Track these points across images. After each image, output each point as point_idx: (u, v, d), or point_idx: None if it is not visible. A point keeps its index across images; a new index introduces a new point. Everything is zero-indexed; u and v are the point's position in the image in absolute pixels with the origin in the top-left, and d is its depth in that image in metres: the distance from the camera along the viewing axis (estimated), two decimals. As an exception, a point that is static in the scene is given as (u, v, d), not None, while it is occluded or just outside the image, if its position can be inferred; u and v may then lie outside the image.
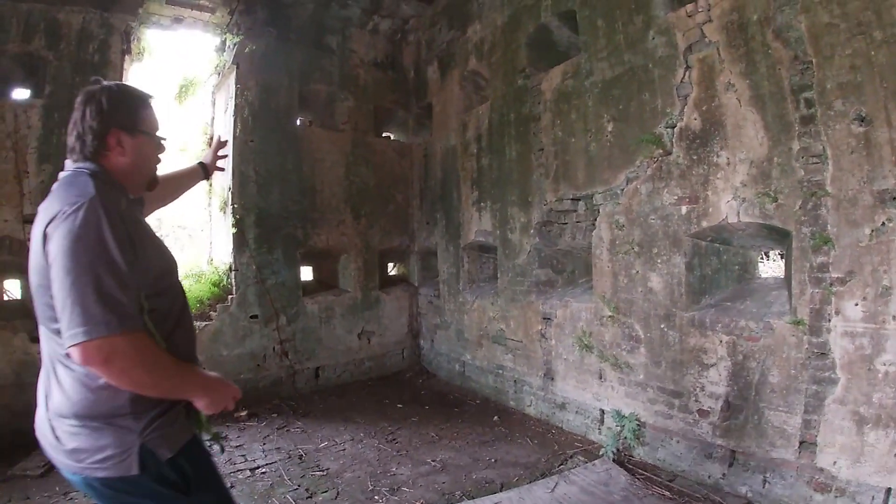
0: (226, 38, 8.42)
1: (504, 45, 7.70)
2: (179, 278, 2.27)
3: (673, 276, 5.34)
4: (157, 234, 2.23)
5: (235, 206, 8.02)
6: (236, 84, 8.16)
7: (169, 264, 2.16)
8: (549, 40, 7.26)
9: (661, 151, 5.43)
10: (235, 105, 8.14)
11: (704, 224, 5.01)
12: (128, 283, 1.76)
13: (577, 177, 6.46)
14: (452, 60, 8.90)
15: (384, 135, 10.42)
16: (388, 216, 9.74)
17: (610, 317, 6.02)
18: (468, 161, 8.46)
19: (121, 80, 6.88)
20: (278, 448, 6.18)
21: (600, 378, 6.23)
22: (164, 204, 2.98)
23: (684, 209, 5.19)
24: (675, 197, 5.27)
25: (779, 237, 4.68)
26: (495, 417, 7.23)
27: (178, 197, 3.07)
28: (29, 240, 2.06)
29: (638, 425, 5.62)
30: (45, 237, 1.76)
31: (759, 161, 4.50)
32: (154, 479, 1.88)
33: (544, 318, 6.98)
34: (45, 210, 1.82)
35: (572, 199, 6.55)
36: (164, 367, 1.84)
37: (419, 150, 9.89)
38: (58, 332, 1.77)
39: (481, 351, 8.30)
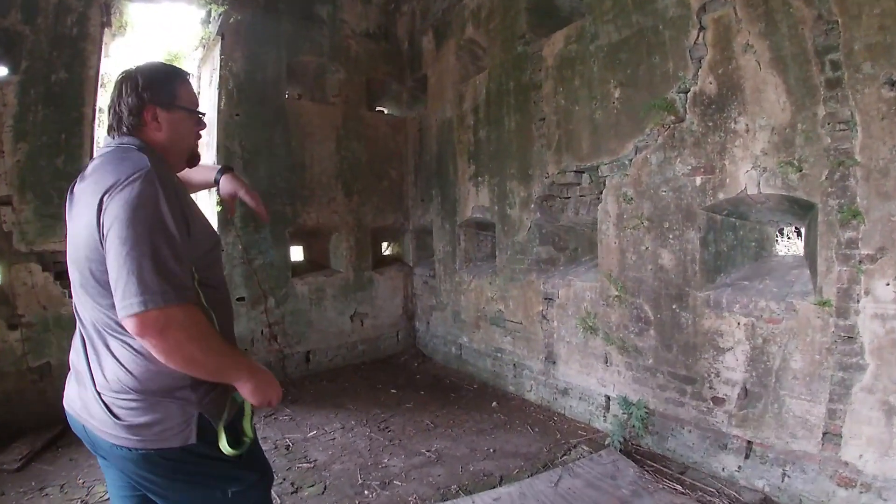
0: (211, 10, 8.02)
1: (503, 10, 7.28)
2: (220, 254, 2.32)
3: (686, 252, 4.97)
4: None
5: None
6: (221, 56, 7.76)
7: (214, 239, 2.17)
8: (550, 5, 6.87)
9: (673, 118, 5.05)
10: (220, 77, 7.75)
11: (721, 196, 4.64)
12: (183, 255, 1.78)
13: (581, 147, 6.08)
14: (448, 29, 8.48)
15: (377, 109, 10.05)
16: (381, 193, 9.36)
17: (617, 297, 5.67)
18: (465, 134, 8.07)
19: (99, 54, 6.67)
20: (265, 438, 5.83)
21: (606, 362, 5.89)
22: None
23: (699, 180, 4.81)
24: (689, 167, 4.90)
25: (801, 211, 4.33)
26: (494, 403, 6.89)
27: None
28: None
29: (647, 413, 5.28)
30: (100, 207, 1.74)
31: (781, 127, 4.15)
32: (210, 447, 1.92)
33: (545, 299, 6.63)
34: (95, 181, 1.82)
35: (576, 172, 6.18)
36: (216, 344, 1.84)
37: (414, 124, 9.49)
38: (109, 307, 1.78)
39: (479, 333, 7.99)
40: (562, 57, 6.36)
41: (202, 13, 8.31)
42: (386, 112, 10.24)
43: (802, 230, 4.85)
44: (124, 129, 2.02)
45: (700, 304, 4.83)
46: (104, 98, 6.90)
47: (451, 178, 8.47)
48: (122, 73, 2.07)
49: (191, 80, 2.23)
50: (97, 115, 6.83)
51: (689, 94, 4.92)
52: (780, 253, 5.27)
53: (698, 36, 4.82)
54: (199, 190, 3.04)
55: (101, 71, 6.88)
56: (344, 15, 9.07)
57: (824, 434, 3.90)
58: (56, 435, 5.74)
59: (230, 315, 2.26)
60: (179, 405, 1.87)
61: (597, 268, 6.05)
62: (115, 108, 2.04)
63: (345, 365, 8.80)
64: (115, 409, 1.84)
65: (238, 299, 7.71)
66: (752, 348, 4.38)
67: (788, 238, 9.29)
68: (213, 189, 2.92)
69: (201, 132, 2.31)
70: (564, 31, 6.35)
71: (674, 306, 5.09)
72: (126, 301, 1.65)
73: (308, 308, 8.48)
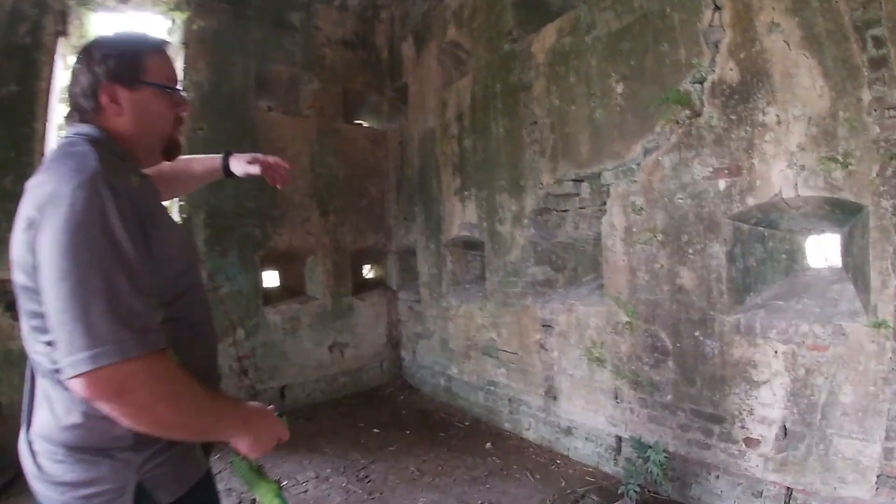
0: (175, 18, 7.38)
1: (487, 7, 6.75)
2: (200, 275, 1.94)
3: (710, 269, 4.37)
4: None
5: (182, 202, 6.98)
6: (184, 65, 7.16)
7: (190, 257, 1.84)
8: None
9: (688, 112, 4.47)
10: (183, 88, 6.98)
11: (750, 202, 4.09)
12: (144, 285, 1.41)
13: (581, 152, 5.48)
14: (429, 33, 7.95)
15: (355, 121, 9.45)
16: (360, 212, 8.73)
17: (627, 323, 4.98)
18: (448, 144, 7.49)
19: (53, 65, 6.16)
20: (229, 490, 5.05)
21: (616, 398, 5.19)
22: (178, 193, 2.69)
23: (723, 184, 4.25)
24: (710, 169, 4.33)
25: (843, 215, 3.78)
26: (488, 444, 6.16)
27: (190, 189, 2.77)
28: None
29: (666, 457, 4.55)
30: (32, 227, 1.38)
31: (819, 117, 3.61)
32: None
33: (544, 326, 5.97)
34: (33, 189, 1.46)
35: (574, 181, 5.59)
36: (195, 400, 1.48)
37: (394, 137, 8.92)
38: (46, 346, 1.44)
39: (469, 364, 7.23)
40: (554, 52, 5.77)
41: (167, 23, 7.65)
42: (364, 125, 9.63)
43: (838, 238, 4.17)
44: (76, 115, 1.67)
45: (728, 331, 4.22)
46: (59, 113, 6.48)
47: (434, 194, 7.86)
48: (79, 49, 1.73)
49: (167, 51, 1.81)
50: (48, 130, 6.21)
51: (705, 84, 4.33)
52: (813, 266, 4.53)
53: (713, 17, 4.24)
54: (205, 182, 2.73)
55: (57, 84, 6.33)
56: (318, 22, 8.47)
57: (878, 477, 3.35)
58: (7, 482, 5.05)
59: (212, 355, 1.91)
60: (114, 468, 1.50)
61: (602, 290, 5.40)
62: (70, 91, 1.69)
63: (324, 400, 8.07)
64: (40, 459, 1.53)
65: (203, 331, 6.88)
66: (793, 381, 3.80)
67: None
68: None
69: (183, 114, 1.84)
70: (556, 24, 5.76)
71: (696, 333, 4.46)
72: (71, 357, 1.29)
73: (282, 339, 7.76)
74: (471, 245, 7.61)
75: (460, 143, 7.26)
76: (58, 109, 6.42)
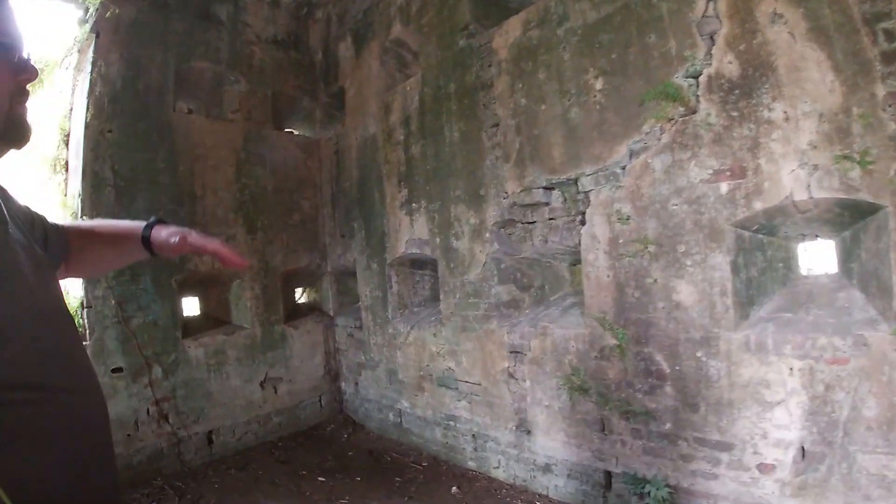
0: (89, 6, 6.49)
1: (439, 1, 6.23)
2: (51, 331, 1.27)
3: (712, 282, 3.93)
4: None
5: (85, 218, 6.01)
6: (93, 56, 6.32)
7: (22, 308, 1.18)
8: None
9: (681, 109, 4.05)
10: (89, 82, 6.26)
11: (758, 206, 3.73)
12: None
13: (553, 156, 4.95)
14: (370, 31, 7.37)
15: (285, 129, 8.73)
16: (291, 229, 7.97)
17: (616, 346, 4.42)
18: (393, 152, 6.87)
19: None
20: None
21: (603, 430, 4.64)
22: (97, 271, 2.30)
23: (724, 187, 3.88)
24: (710, 171, 3.94)
25: (848, 218, 3.57)
26: (454, 488, 5.47)
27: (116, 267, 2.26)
28: None
29: (669, 492, 4.05)
30: None
31: (831, 113, 3.36)
32: None
33: (512, 352, 5.36)
34: None
35: (545, 188, 5.05)
36: None
37: (329, 146, 8.24)
38: None
39: (423, 397, 6.53)
40: (519, 47, 5.26)
41: (80, 12, 6.75)
42: (296, 132, 8.91)
43: (832, 244, 3.95)
44: None
45: (736, 349, 3.83)
46: None
47: (377, 208, 7.21)
48: None
49: (6, 4, 1.27)
50: None
51: (701, 79, 3.97)
52: (806, 273, 4.15)
53: (707, 6, 3.92)
54: (126, 264, 2.13)
55: None
56: (247, 18, 7.74)
57: (906, 489, 3.10)
58: None
59: (87, 447, 1.27)
60: None
61: (581, 310, 4.87)
62: None
63: (257, 444, 7.17)
64: None
65: (114, 370, 6.05)
66: (811, 398, 3.51)
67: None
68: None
69: (27, 84, 1.31)
70: (522, 16, 5.27)
71: (698, 354, 4.01)
72: None
73: (206, 376, 6.86)
74: (420, 264, 6.99)
75: (407, 150, 6.64)
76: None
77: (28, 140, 1.38)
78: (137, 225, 1.85)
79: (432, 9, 6.27)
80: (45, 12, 6.61)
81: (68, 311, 1.41)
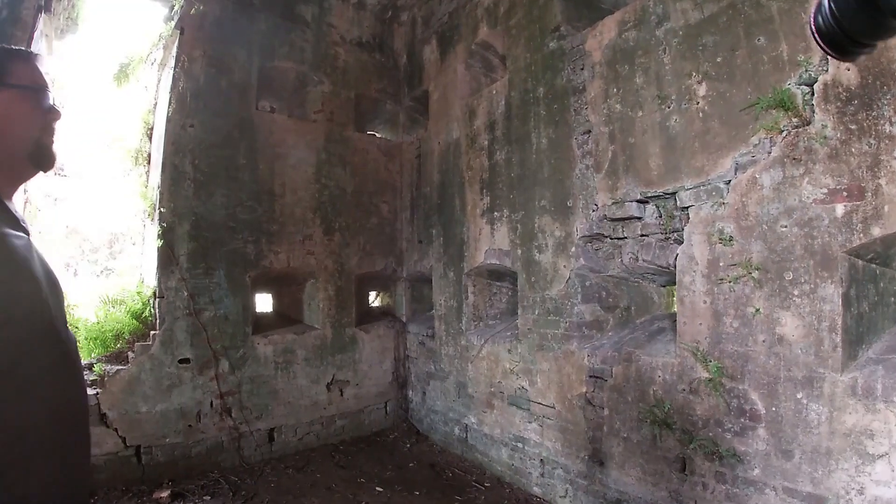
0: (174, 3, 6.65)
1: (528, 1, 5.99)
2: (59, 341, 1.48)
3: (821, 316, 3.47)
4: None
5: (163, 210, 6.11)
6: (177, 52, 6.40)
7: (26, 314, 1.38)
8: None
9: (794, 120, 3.62)
10: (173, 77, 6.33)
11: (876, 232, 3.28)
12: None
13: (649, 167, 4.58)
14: (456, 34, 7.18)
15: (367, 131, 8.67)
16: (369, 232, 7.87)
17: (708, 380, 4.01)
18: (476, 157, 6.63)
19: (30, 42, 5.42)
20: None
21: (683, 470, 4.22)
22: None
23: (841, 209, 3.41)
24: (824, 190, 3.49)
25: None
26: (516, 516, 5.09)
27: None
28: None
29: None
30: None
31: None
32: None
33: (592, 377, 5.01)
34: None
35: (639, 201, 4.69)
36: None
37: (411, 151, 8.11)
38: None
39: (492, 414, 6.25)
40: (614, 49, 4.93)
41: (165, 9, 6.88)
42: (378, 135, 8.83)
43: None
44: None
45: (841, 393, 3.37)
46: None
47: (457, 215, 7.00)
48: None
49: (37, 61, 1.67)
50: None
51: (816, 87, 3.54)
52: None
53: None
54: None
55: None
56: (332, 19, 7.71)
57: None
58: None
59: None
60: None
61: (670, 336, 4.49)
62: None
63: (319, 445, 7.08)
64: None
65: (181, 361, 6.07)
66: None
67: None
68: None
69: (54, 121, 1.67)
70: (618, 16, 4.95)
71: (799, 395, 3.55)
72: None
73: (273, 374, 6.81)
74: (498, 275, 6.74)
75: (491, 157, 6.40)
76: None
77: (52, 166, 1.74)
78: None
79: (521, 10, 6.03)
80: (132, 9, 6.73)
81: None
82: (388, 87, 8.33)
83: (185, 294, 6.13)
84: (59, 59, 6.45)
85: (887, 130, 3.18)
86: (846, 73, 3.36)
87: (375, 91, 8.20)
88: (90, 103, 8.86)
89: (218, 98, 6.55)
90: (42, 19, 5.69)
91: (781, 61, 3.69)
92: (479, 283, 6.85)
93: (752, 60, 3.87)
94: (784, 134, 3.65)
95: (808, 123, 3.54)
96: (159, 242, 5.99)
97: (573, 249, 5.26)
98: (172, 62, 6.43)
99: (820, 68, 3.47)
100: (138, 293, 6.47)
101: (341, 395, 7.38)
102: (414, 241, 7.96)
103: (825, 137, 3.45)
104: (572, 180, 5.31)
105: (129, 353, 5.87)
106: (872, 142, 3.25)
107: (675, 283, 4.42)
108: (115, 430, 5.53)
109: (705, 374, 4.03)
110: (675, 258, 4.28)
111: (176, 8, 6.56)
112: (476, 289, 6.83)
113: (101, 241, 10.18)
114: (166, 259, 6.04)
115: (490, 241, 6.37)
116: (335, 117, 7.59)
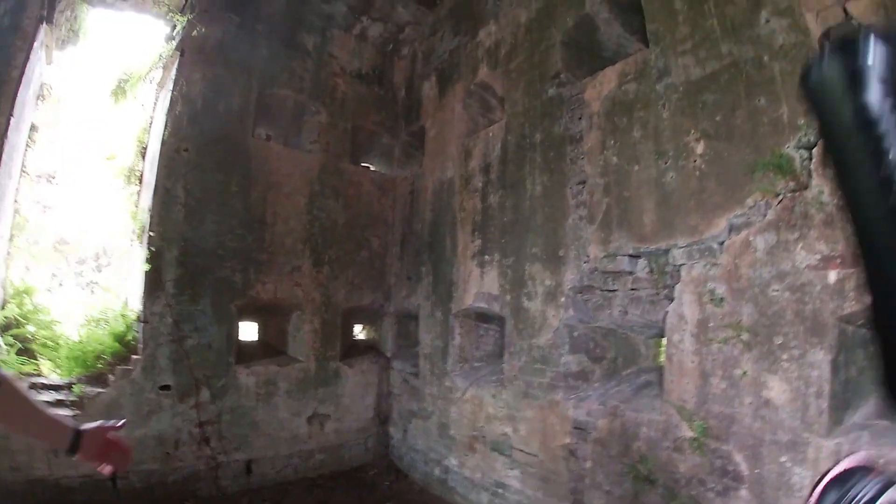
0: (176, 24, 6.72)
1: (529, 46, 6.03)
2: None
3: (808, 381, 3.45)
4: None
5: (153, 234, 6.08)
6: (176, 74, 6.42)
7: None
8: (591, 40, 5.60)
9: (791, 184, 3.63)
10: (170, 99, 6.35)
11: (868, 300, 3.01)
12: None
13: (643, 222, 4.58)
14: (456, 72, 7.22)
15: (362, 164, 8.66)
16: (358, 265, 7.83)
17: (693, 440, 3.97)
18: (470, 199, 6.63)
19: (29, 52, 5.52)
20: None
21: None
22: None
23: (833, 276, 3.39)
24: (818, 256, 3.47)
25: None
26: (495, 566, 5.00)
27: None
28: None
29: None
30: None
31: None
32: None
33: (576, 429, 4.96)
34: None
35: (631, 256, 4.68)
36: None
37: (405, 185, 8.10)
38: None
39: (473, 458, 6.17)
40: (614, 100, 4.96)
41: (167, 28, 6.93)
42: (372, 168, 8.83)
43: None
44: None
45: (825, 457, 3.33)
46: (38, 112, 6.20)
47: (447, 255, 6.97)
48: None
49: None
50: (11, 126, 5.47)
51: (814, 151, 3.56)
52: None
53: None
54: (44, 439, 1.83)
55: (38, 78, 5.94)
56: (333, 49, 7.76)
57: None
58: None
59: None
60: None
61: (656, 391, 4.47)
62: None
63: (297, 479, 6.96)
64: None
65: (162, 388, 6.01)
66: None
67: None
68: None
69: None
70: (618, 67, 4.99)
71: (783, 458, 3.53)
72: None
73: (254, 405, 6.72)
74: (486, 318, 6.69)
75: (484, 199, 6.39)
76: (28, 104, 5.80)
77: None
78: (61, 422, 1.82)
79: (522, 54, 6.07)
80: (134, 25, 6.80)
81: None
82: (385, 121, 8.35)
83: (170, 320, 6.08)
84: (59, 69, 6.56)
85: (884, 199, 3.18)
86: (846, 138, 3.38)
87: (372, 123, 8.22)
88: (87, 116, 8.83)
89: (214, 123, 6.55)
90: (43, 29, 5.77)
91: (781, 124, 3.71)
92: (467, 324, 6.80)
93: (751, 121, 3.89)
94: (780, 197, 3.65)
95: (806, 188, 3.55)
96: (147, 267, 5.94)
97: (563, 299, 5.23)
98: (171, 84, 6.43)
99: (819, 133, 3.49)
100: (122, 315, 6.38)
101: (322, 428, 7.27)
102: (403, 277, 7.90)
103: (821, 203, 3.45)
104: (565, 230, 5.29)
105: (110, 375, 5.81)
106: (868, 209, 3.24)
107: (663, 336, 4.40)
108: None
109: (690, 433, 3.99)
110: (665, 315, 4.25)
111: (178, 28, 6.58)
112: (463, 330, 6.77)
113: (88, 253, 10.08)
114: (153, 284, 5.99)
115: (479, 285, 6.34)
116: (331, 148, 7.58)
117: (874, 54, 0.60)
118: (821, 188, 3.47)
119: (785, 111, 3.69)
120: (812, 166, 3.53)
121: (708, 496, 3.87)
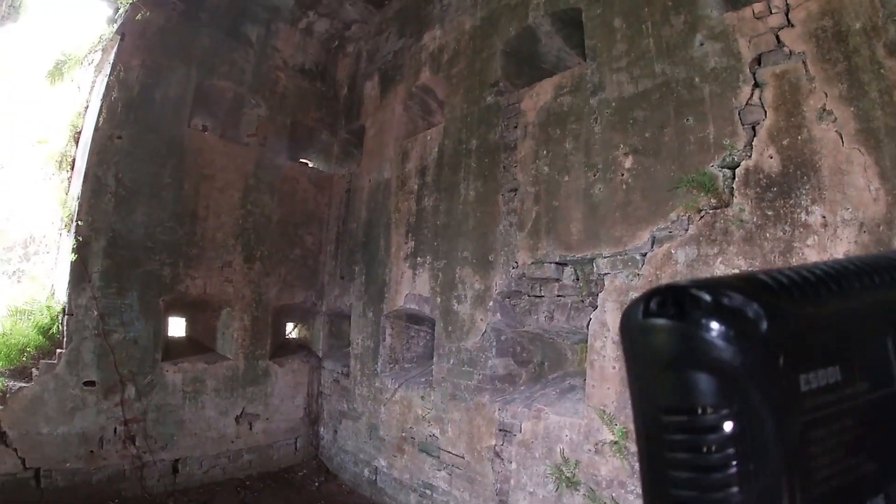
0: (119, 6, 6.46)
1: (471, 52, 6.11)
2: None
3: None
4: None
5: (81, 223, 5.90)
6: (115, 59, 6.25)
7: None
8: (532, 52, 5.73)
9: (713, 201, 3.81)
10: (107, 84, 6.18)
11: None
12: None
13: (570, 231, 4.72)
14: (399, 73, 7.24)
15: (300, 160, 8.58)
16: (291, 263, 7.75)
17: (614, 443, 4.10)
18: (405, 200, 6.68)
19: None
20: None
21: None
22: None
23: None
24: (736, 271, 3.55)
25: None
26: (419, 568, 5.04)
27: None
28: None
29: None
30: None
31: (872, 223, 3.15)
32: None
33: (501, 431, 5.06)
34: None
35: (558, 263, 4.78)
36: None
37: (342, 184, 8.08)
38: None
39: (402, 459, 6.20)
40: (549, 111, 5.09)
41: (110, 10, 6.69)
42: (310, 165, 8.76)
43: None
44: None
45: None
46: None
47: (381, 255, 6.98)
48: None
49: None
50: None
51: (738, 171, 3.76)
52: None
53: (752, 94, 3.74)
54: None
55: None
56: (277, 42, 7.67)
57: None
58: None
59: None
60: None
61: (580, 395, 4.58)
62: None
63: (224, 480, 6.84)
64: None
65: (86, 383, 5.83)
66: None
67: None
68: None
69: None
70: (555, 79, 5.12)
71: None
72: None
73: (181, 403, 6.58)
74: (417, 320, 6.73)
75: (419, 202, 6.44)
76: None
77: None
78: None
79: (464, 60, 6.14)
80: (76, 5, 6.57)
81: None
82: (325, 117, 8.30)
83: (96, 313, 5.92)
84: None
85: (802, 219, 3.37)
86: (769, 160, 3.56)
87: (312, 119, 8.17)
88: (20, 96, 8.50)
89: (150, 111, 6.42)
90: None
91: (707, 143, 3.88)
92: (398, 325, 6.83)
93: (678, 139, 4.05)
94: (702, 213, 3.83)
95: (727, 206, 3.72)
96: (73, 257, 5.78)
97: (491, 304, 5.31)
98: (108, 68, 6.27)
99: (744, 153, 3.67)
100: (47, 307, 6.17)
101: (250, 428, 7.17)
102: (336, 276, 7.88)
103: (742, 221, 3.63)
104: (496, 235, 5.38)
105: (34, 369, 5.64)
106: (787, 228, 3.43)
107: (588, 342, 4.52)
108: (15, 449, 5.28)
109: (611, 437, 4.13)
110: (589, 322, 4.38)
111: (121, 11, 6.38)
112: (394, 331, 6.80)
113: (16, 240, 9.68)
114: (79, 275, 5.83)
115: (411, 286, 6.38)
116: (268, 143, 7.50)
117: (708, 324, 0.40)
118: (742, 206, 3.66)
119: (712, 131, 3.88)
120: (734, 185, 3.72)
121: (629, 498, 4.03)
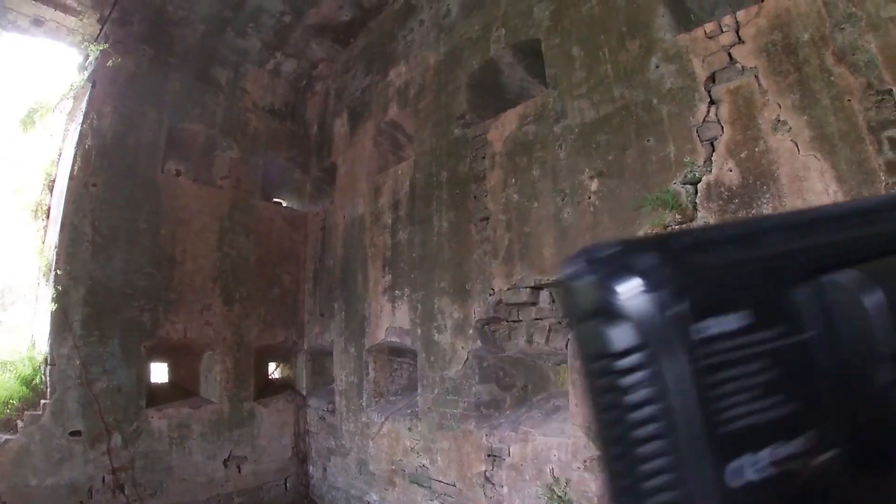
0: (89, 53, 6.51)
1: (437, 87, 6.25)
2: None
3: None
4: None
5: (59, 272, 5.91)
6: (87, 107, 6.34)
7: None
8: (496, 83, 5.87)
9: (678, 217, 3.91)
10: (80, 132, 6.25)
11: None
12: None
13: (542, 256, 4.82)
14: (367, 110, 7.36)
15: (274, 200, 8.65)
16: (270, 302, 7.76)
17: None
18: (380, 235, 6.75)
19: None
20: None
21: None
22: None
23: None
24: None
25: None
26: None
27: None
28: None
29: None
30: None
31: None
32: None
33: (490, 456, 5.08)
34: None
35: (533, 288, 4.86)
36: None
37: (316, 221, 8.14)
38: None
39: (393, 492, 6.19)
40: (515, 141, 5.22)
41: (80, 58, 6.73)
42: (284, 204, 8.82)
43: None
44: None
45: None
46: None
47: (359, 290, 7.02)
48: None
49: None
50: None
51: (700, 186, 3.88)
52: None
53: (709, 111, 3.88)
54: None
55: None
56: (246, 84, 7.79)
57: None
58: None
59: None
60: None
61: (565, 415, 4.63)
62: None
63: (215, 523, 6.76)
64: None
65: (72, 434, 5.80)
66: None
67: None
68: None
69: None
70: (519, 109, 5.26)
71: None
72: None
73: (168, 449, 6.53)
74: (399, 352, 6.76)
75: (394, 236, 6.52)
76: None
77: None
78: None
79: (430, 94, 6.26)
80: (47, 53, 6.65)
81: None
82: (297, 157, 8.39)
83: (78, 362, 5.90)
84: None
85: (766, 225, 3.47)
86: (728, 173, 3.68)
87: (284, 159, 8.25)
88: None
89: (124, 157, 6.47)
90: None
91: (669, 161, 4.00)
92: (381, 359, 6.85)
93: (641, 160, 4.17)
94: (669, 229, 3.90)
95: (692, 220, 3.82)
96: (53, 306, 5.77)
97: (471, 331, 5.38)
98: (81, 116, 6.32)
99: (704, 169, 3.79)
100: (29, 358, 6.13)
101: (239, 471, 7.12)
102: (316, 313, 7.90)
103: (707, 232, 3.73)
104: (471, 264, 5.47)
105: (18, 421, 5.58)
106: (752, 240, 3.53)
107: (568, 362, 4.59)
108: (5, 503, 5.23)
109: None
110: (567, 342, 4.46)
111: (91, 58, 6.43)
112: (377, 365, 6.81)
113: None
114: (60, 324, 5.82)
115: (391, 319, 6.42)
116: (242, 184, 7.56)
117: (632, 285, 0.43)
118: (706, 219, 3.76)
119: (672, 150, 4.00)
120: (697, 200, 3.83)
121: (621, 513, 4.06)
